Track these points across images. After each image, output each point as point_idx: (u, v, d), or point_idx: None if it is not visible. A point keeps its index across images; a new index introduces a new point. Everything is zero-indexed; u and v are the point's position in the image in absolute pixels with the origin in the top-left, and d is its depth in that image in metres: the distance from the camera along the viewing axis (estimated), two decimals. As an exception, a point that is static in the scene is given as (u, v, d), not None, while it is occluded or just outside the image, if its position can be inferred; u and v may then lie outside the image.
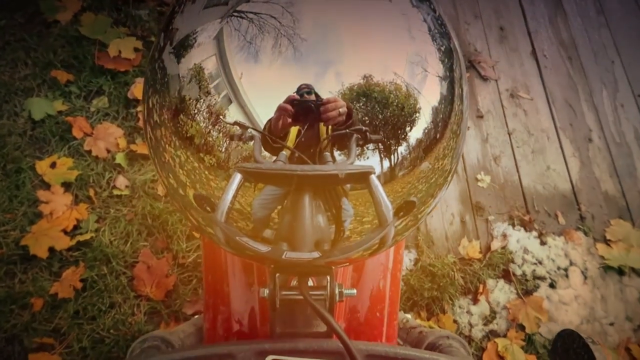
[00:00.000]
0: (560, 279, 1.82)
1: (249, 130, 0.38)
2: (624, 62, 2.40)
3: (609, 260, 1.88)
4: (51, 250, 1.58)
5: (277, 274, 0.49)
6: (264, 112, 0.38)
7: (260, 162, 0.38)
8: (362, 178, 0.39)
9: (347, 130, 0.38)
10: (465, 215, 1.90)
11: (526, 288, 1.78)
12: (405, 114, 0.40)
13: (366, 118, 0.39)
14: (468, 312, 1.73)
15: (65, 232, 1.62)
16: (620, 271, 1.87)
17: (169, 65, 0.40)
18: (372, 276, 0.68)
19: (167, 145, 0.40)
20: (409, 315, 1.25)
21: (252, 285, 0.67)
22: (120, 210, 1.67)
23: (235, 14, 0.39)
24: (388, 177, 0.40)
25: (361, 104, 0.39)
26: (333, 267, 0.50)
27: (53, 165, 1.71)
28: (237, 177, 0.39)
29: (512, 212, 1.92)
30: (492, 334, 1.70)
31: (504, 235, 1.87)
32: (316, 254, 0.42)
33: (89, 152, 1.74)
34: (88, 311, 1.52)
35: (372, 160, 0.40)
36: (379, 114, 0.39)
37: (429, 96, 0.41)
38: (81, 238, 1.59)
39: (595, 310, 1.80)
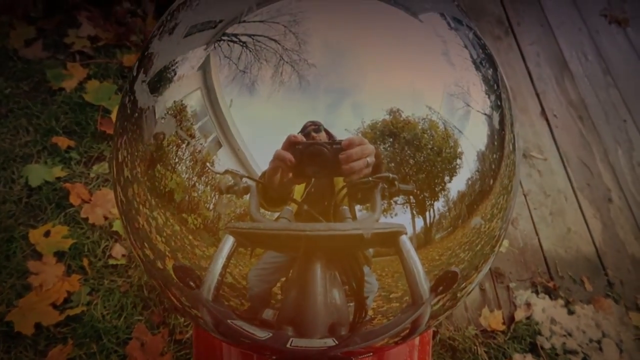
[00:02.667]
0: (593, 352, 1.66)
1: (244, 179, 0.29)
2: (636, 120, 2.35)
3: (644, 331, 1.73)
4: (38, 326, 1.46)
5: (281, 368, 0.38)
6: (262, 157, 0.30)
7: (258, 221, 0.29)
8: (390, 240, 0.30)
9: (371, 179, 0.29)
10: (485, 282, 1.77)
11: (557, 363, 1.62)
12: (443, 160, 0.32)
13: (393, 164, 0.31)
14: (495, 391, 1.56)
15: (54, 306, 1.50)
16: (658, 343, 1.71)
17: (142, 102, 0.32)
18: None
19: (140, 207, 0.32)
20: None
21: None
22: (115, 282, 1.56)
23: (225, 38, 0.32)
24: (422, 241, 0.31)
25: (387, 146, 0.31)
26: (352, 358, 0.39)
27: (47, 233, 1.62)
28: (229, 241, 0.30)
29: (534, 278, 1.79)
30: (523, 418, 1.52)
31: (528, 304, 1.73)
32: (331, 342, 0.32)
33: (86, 219, 1.66)
34: (73, 396, 1.37)
35: (402, 218, 0.31)
36: (409, 159, 0.31)
37: (473, 138, 0.33)
38: (71, 312, 1.48)
39: (635, 388, 1.62)
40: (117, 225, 1.65)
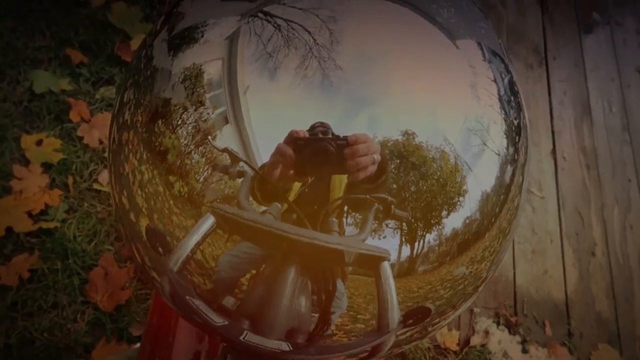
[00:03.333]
0: (535, 394, 1.69)
1: (241, 164, 0.28)
2: (641, 183, 2.35)
3: (590, 387, 1.76)
4: (8, 230, 1.45)
5: (229, 355, 0.38)
6: (265, 145, 0.29)
7: (244, 209, 0.28)
8: (371, 263, 0.29)
9: (369, 197, 0.28)
10: (451, 300, 1.78)
11: (498, 395, 1.65)
12: (446, 193, 0.30)
13: (395, 186, 0.30)
14: (431, 407, 1.58)
15: (30, 214, 1.50)
16: (599, 401, 1.74)
17: (160, 56, 0.31)
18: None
19: (130, 155, 0.31)
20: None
21: (202, 340, 0.56)
22: (95, 207, 1.55)
23: (261, 14, 0.30)
24: (404, 269, 0.30)
25: (393, 167, 0.29)
26: None
27: (39, 142, 1.61)
28: (209, 221, 0.29)
29: (499, 309, 1.81)
30: None
31: (486, 332, 1.74)
32: (285, 346, 0.31)
33: (81, 138, 1.65)
34: (27, 306, 1.38)
35: (389, 242, 0.30)
36: (412, 185, 0.30)
37: (481, 177, 0.32)
38: (45, 225, 1.47)
39: None
40: (110, 153, 1.64)
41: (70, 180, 1.56)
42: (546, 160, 2.28)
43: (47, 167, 1.58)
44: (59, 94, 1.71)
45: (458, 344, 1.68)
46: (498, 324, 1.78)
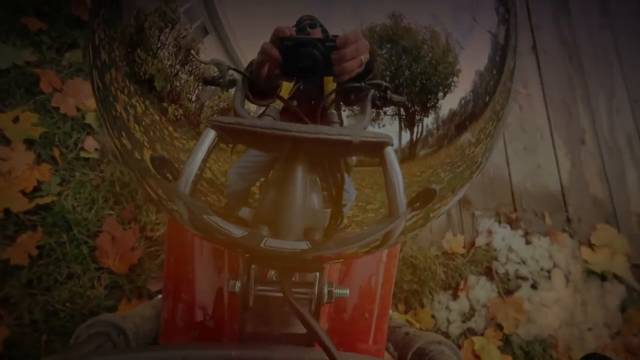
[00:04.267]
0: (542, 280, 1.77)
1: (230, 72, 0.28)
2: (623, 66, 2.34)
3: (592, 265, 1.85)
4: (7, 212, 1.45)
5: (253, 266, 0.39)
6: (251, 48, 0.28)
7: (242, 116, 0.28)
8: (375, 150, 0.30)
9: (364, 84, 0.28)
10: (452, 207, 1.83)
11: (508, 287, 1.73)
12: (439, 74, 0.30)
13: (388, 72, 0.29)
14: (447, 308, 1.67)
15: (24, 193, 1.49)
16: (602, 277, 1.83)
17: None
18: (363, 270, 0.59)
19: (118, 92, 0.30)
20: (390, 311, 1.18)
21: (221, 271, 0.58)
22: (87, 175, 1.54)
23: None
24: (406, 155, 0.31)
25: (384, 52, 0.29)
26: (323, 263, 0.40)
27: (16, 120, 1.57)
28: (210, 135, 0.29)
29: (499, 208, 1.86)
30: (469, 332, 1.65)
31: (490, 232, 1.80)
32: (304, 245, 0.32)
33: (57, 108, 1.60)
34: (43, 281, 1.40)
35: (389, 130, 0.30)
36: (405, 69, 0.30)
37: (474, 56, 0.31)
38: (41, 201, 1.47)
39: (575, 315, 1.76)
40: (90, 118, 1.61)
41: (56, 153, 1.54)
42: (527, 57, 2.25)
43: (29, 143, 1.55)
44: (23, 66, 1.64)
45: (464, 247, 1.75)
46: (500, 222, 1.83)
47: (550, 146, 2.07)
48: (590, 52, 2.34)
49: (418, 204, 0.33)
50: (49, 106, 1.60)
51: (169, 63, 0.29)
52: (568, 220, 1.92)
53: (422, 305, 1.63)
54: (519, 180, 1.94)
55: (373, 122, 0.30)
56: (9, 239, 1.44)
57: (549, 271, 1.79)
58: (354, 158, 0.30)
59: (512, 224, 1.84)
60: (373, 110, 0.29)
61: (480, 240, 1.77)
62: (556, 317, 1.73)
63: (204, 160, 0.29)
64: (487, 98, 0.33)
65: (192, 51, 0.28)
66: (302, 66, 0.28)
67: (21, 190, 1.48)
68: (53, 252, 1.44)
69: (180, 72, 0.29)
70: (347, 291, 0.43)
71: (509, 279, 1.74)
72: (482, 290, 1.71)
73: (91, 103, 1.64)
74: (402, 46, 0.29)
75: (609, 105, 2.24)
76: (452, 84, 0.31)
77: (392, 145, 0.30)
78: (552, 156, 2.05)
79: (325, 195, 0.31)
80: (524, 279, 1.76)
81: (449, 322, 1.65)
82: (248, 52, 0.28)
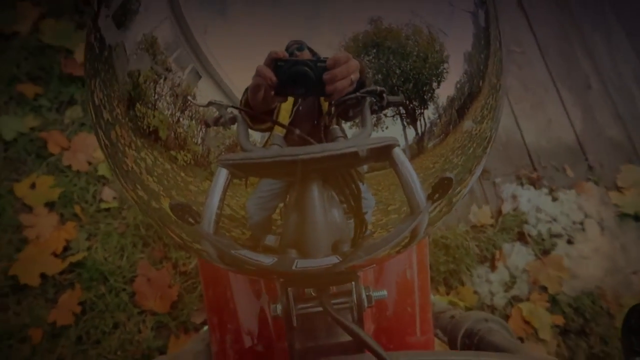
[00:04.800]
0: (577, 233, 1.75)
1: (229, 110, 0.29)
2: (614, 2, 2.30)
3: (623, 208, 1.82)
4: (43, 276, 1.49)
5: (290, 288, 0.40)
6: (244, 83, 0.29)
7: (249, 150, 0.29)
8: (384, 154, 0.30)
9: (359, 94, 0.29)
10: (471, 181, 1.82)
11: (544, 248, 1.72)
12: (429, 65, 0.31)
13: (380, 75, 0.30)
14: (487, 280, 1.66)
15: (55, 255, 1.52)
16: (636, 217, 1.81)
17: (110, 39, 0.30)
18: (396, 266, 0.59)
19: (126, 148, 0.31)
20: (432, 297, 1.18)
21: (260, 294, 0.59)
22: (111, 224, 1.57)
23: None
24: (415, 151, 0.31)
25: (371, 58, 0.30)
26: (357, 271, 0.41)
27: (32, 186, 1.60)
28: (223, 174, 0.29)
29: (518, 171, 1.84)
30: (514, 300, 1.63)
31: (514, 197, 1.79)
32: (335, 259, 0.33)
33: (69, 166, 1.64)
34: (91, 335, 1.43)
35: (393, 130, 0.31)
36: (396, 69, 0.30)
37: (458, 39, 0.32)
38: (73, 259, 1.50)
39: (616, 261, 1.73)
40: (103, 169, 1.64)
41: (77, 209, 1.57)
42: (516, 13, 2.23)
43: (50, 205, 1.58)
44: (29, 133, 1.68)
45: (492, 217, 1.73)
46: (522, 184, 1.82)
47: (557, 98, 2.04)
48: (577, -4, 2.31)
49: (437, 195, 0.33)
50: (61, 166, 1.64)
51: (169, 112, 0.30)
52: (590, 168, 1.89)
53: (462, 283, 1.62)
54: (532, 139, 1.92)
55: (376, 128, 0.30)
56: (51, 301, 1.47)
57: (581, 223, 1.77)
58: (365, 167, 0.30)
59: (535, 184, 1.82)
60: (373, 116, 0.30)
61: (507, 207, 1.75)
62: (598, 267, 1.71)
63: (222, 199, 0.30)
64: (481, 75, 0.34)
65: (189, 97, 0.29)
66: (297, 86, 0.29)
67: (52, 252, 1.52)
68: (95, 306, 1.47)
69: (181, 119, 0.29)
70: (385, 292, 0.43)
71: (543, 240, 1.73)
72: (518, 256, 1.69)
73: (100, 154, 1.67)
74: (387, 47, 0.30)
75: (608, 44, 2.21)
76: (444, 71, 0.32)
77: (398, 145, 0.30)
78: (561, 108, 2.02)
79: (345, 208, 0.31)
80: (558, 236, 1.74)
81: (492, 294, 1.64)
82: (242, 86, 0.29)
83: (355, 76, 0.29)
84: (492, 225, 1.72)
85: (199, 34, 0.29)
